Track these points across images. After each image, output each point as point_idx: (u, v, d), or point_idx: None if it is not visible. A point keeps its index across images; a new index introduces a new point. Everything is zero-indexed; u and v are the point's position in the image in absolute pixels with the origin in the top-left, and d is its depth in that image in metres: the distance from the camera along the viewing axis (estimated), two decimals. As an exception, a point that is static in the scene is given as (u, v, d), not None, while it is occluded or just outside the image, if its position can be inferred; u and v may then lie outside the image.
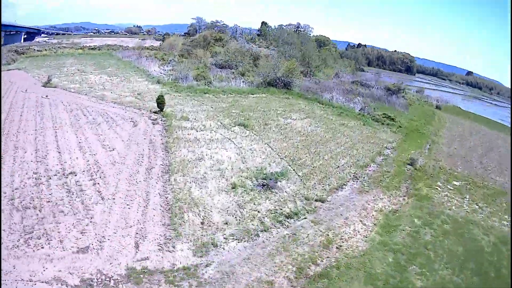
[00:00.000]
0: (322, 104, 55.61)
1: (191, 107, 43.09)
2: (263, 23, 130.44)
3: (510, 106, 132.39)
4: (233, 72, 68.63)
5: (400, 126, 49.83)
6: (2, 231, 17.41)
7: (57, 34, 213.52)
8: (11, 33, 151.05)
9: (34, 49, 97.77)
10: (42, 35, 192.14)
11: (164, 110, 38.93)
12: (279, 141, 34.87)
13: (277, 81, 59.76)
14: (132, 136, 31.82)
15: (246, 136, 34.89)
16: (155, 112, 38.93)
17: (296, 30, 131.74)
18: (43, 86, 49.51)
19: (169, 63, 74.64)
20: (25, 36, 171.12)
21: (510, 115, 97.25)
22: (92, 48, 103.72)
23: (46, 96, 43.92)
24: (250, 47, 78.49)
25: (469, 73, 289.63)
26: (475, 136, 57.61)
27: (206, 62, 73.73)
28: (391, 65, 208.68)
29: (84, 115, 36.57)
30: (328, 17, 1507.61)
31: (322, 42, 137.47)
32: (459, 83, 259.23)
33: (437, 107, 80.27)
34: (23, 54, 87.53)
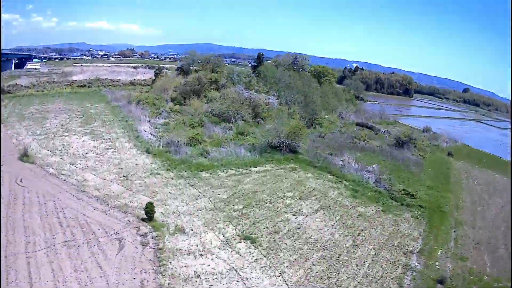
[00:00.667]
0: (334, 175, 49.86)
1: (186, 203, 36.90)
2: (260, 57, 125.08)
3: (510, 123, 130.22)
4: (231, 128, 63.07)
5: (421, 206, 44.24)
6: None
7: (49, 59, 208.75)
8: (2, 60, 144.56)
9: (21, 86, 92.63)
10: (34, 60, 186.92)
11: (154, 217, 32.74)
12: (294, 266, 28.91)
13: (282, 144, 53.98)
14: (118, 273, 25.70)
15: (255, 261, 28.86)
16: (143, 220, 32.74)
17: (294, 63, 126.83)
18: (19, 159, 43.40)
19: (160, 114, 68.62)
20: (16, 61, 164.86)
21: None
22: (81, 86, 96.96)
23: (21, 180, 38.03)
24: (248, 95, 72.72)
25: (466, 90, 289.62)
26: (494, 197, 53.25)
27: (201, 113, 67.90)
28: (389, 89, 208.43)
29: (61, 227, 30.44)
30: (320, 30, 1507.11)
31: (321, 73, 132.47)
32: (456, 101, 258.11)
33: (449, 154, 75.41)
34: (9, 93, 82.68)
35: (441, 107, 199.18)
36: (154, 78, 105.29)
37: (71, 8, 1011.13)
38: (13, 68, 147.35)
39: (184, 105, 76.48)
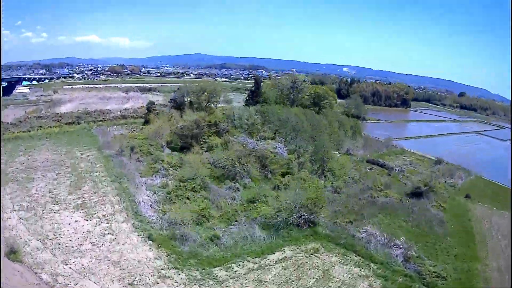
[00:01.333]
0: (359, 255, 44.66)
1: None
2: (257, 81, 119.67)
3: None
4: (238, 189, 57.69)
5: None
6: None
7: (39, 80, 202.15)
8: None
9: (8, 123, 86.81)
10: (24, 83, 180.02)
11: None
12: None
13: (299, 219, 48.59)
14: None
15: None
16: None
17: (293, 87, 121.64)
18: (6, 256, 37.44)
19: (158, 171, 62.69)
20: (6, 85, 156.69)
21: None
22: (69, 123, 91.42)
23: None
24: (254, 145, 67.21)
25: (462, 94, 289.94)
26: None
27: (202, 168, 62.22)
28: (387, 100, 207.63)
29: None
30: (310, 36, 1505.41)
31: (321, 96, 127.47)
32: (453, 107, 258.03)
33: (467, 196, 71.35)
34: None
35: (440, 117, 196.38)
36: (146, 112, 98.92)
37: (61, 23, 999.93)
38: (1, 94, 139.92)
39: (182, 152, 71.34)
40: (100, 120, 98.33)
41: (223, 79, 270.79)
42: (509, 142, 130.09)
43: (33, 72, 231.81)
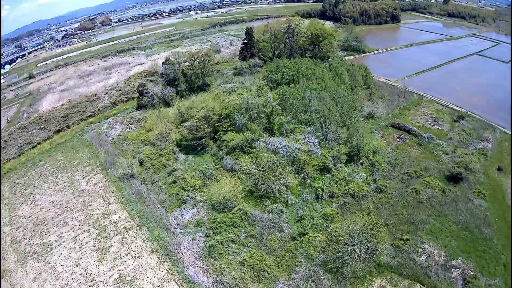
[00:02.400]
0: (424, 285, 42.52)
1: None
2: (249, 32, 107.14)
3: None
4: (282, 211, 52.77)
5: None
6: None
7: (11, 62, 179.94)
8: None
9: None
10: None
11: None
12: None
13: (361, 252, 44.96)
14: None
15: None
16: None
17: (288, 31, 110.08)
18: None
19: (184, 202, 56.21)
20: None
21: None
22: (58, 131, 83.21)
23: None
24: (285, 147, 60.49)
25: (446, 1, 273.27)
26: None
27: (233, 186, 56.12)
28: (376, 18, 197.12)
29: None
30: None
31: (319, 37, 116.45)
32: (441, 15, 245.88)
33: (499, 169, 67.08)
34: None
35: (433, 33, 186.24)
36: (138, 96, 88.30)
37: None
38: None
39: (198, 153, 67.13)
40: (90, 115, 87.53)
41: (196, 11, 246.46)
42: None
43: (3, 52, 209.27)
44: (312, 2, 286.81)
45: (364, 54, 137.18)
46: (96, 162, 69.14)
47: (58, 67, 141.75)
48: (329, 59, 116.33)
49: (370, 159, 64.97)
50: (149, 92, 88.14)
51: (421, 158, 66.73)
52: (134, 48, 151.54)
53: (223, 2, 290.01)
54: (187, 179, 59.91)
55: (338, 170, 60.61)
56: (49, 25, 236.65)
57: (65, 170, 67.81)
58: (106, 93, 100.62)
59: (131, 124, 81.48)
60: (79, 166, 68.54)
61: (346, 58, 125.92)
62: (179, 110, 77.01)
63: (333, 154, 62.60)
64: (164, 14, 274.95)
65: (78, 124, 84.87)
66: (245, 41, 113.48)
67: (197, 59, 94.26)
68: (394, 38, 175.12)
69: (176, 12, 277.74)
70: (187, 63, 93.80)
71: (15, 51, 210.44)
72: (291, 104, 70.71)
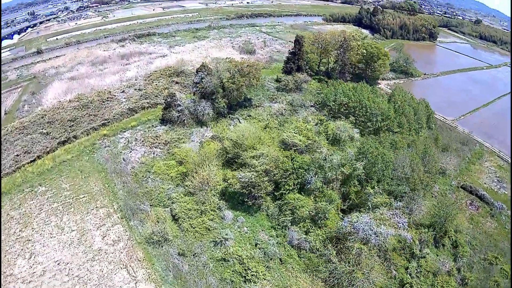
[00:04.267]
0: None
1: None
2: (298, 42, 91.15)
3: None
4: None
5: None
6: None
7: (20, 32, 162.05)
8: None
9: None
10: (3, 41, 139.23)
11: None
12: None
13: None
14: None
15: None
16: None
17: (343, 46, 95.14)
18: None
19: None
20: None
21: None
22: (63, 142, 66.03)
23: None
24: (372, 235, 44.67)
25: (477, 21, 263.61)
26: None
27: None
28: (415, 34, 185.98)
29: None
30: None
31: (374, 55, 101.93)
32: (473, 36, 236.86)
33: None
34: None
35: (471, 58, 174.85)
36: (165, 107, 70.94)
37: None
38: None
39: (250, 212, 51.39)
40: (103, 124, 69.84)
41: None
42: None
43: (15, 19, 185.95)
44: (340, 2, 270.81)
45: (413, 79, 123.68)
46: (113, 204, 52.28)
47: (69, 44, 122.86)
48: (378, 80, 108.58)
49: (452, 238, 53.81)
50: (179, 105, 70.61)
51: (496, 236, 58.27)
52: (155, 34, 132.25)
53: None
54: (243, 258, 43.77)
55: (424, 257, 49.37)
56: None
57: (71, 210, 50.89)
58: (123, 90, 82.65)
59: (155, 147, 64.37)
60: (90, 206, 51.65)
61: (395, 81, 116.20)
62: (224, 147, 60.73)
63: (420, 237, 49.36)
64: None
65: (87, 135, 67.16)
66: (293, 50, 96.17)
67: (241, 70, 76.56)
68: (435, 60, 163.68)
69: None
70: (227, 73, 75.69)
71: (27, 19, 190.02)
72: (380, 169, 54.75)
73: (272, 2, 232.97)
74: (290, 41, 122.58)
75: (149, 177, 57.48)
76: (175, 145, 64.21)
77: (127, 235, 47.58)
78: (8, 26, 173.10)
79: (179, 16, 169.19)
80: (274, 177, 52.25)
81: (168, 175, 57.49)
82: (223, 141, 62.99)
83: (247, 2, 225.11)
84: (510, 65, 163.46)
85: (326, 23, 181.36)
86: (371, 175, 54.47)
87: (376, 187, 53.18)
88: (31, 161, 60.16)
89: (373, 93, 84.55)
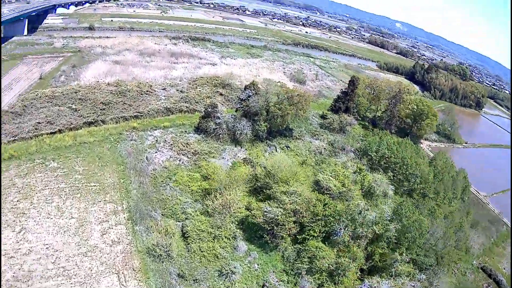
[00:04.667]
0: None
1: None
2: (353, 83, 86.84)
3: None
4: None
5: None
6: None
7: (78, 4, 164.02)
8: (10, 21, 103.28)
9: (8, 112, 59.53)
10: (58, 9, 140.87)
11: None
12: None
13: None
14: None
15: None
16: None
17: (396, 97, 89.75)
18: None
19: None
20: (34, 15, 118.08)
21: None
22: (89, 123, 62.74)
23: None
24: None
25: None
26: None
27: None
28: (463, 100, 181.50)
29: None
30: None
31: (422, 113, 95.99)
32: None
33: None
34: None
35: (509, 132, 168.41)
36: (203, 116, 66.49)
37: None
38: (25, 33, 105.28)
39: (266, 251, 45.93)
40: (135, 116, 66.14)
41: (279, 21, 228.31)
42: None
43: None
44: (395, 52, 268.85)
45: (454, 145, 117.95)
46: (123, 202, 47.46)
47: (122, 29, 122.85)
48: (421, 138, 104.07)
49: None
50: (219, 118, 66.08)
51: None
52: (210, 41, 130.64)
53: (308, 21, 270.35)
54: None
55: None
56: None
57: (77, 195, 46.42)
58: (164, 88, 79.31)
59: (183, 155, 59.57)
60: (98, 197, 47.04)
61: (437, 144, 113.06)
62: (255, 173, 55.64)
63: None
64: (248, 12, 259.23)
65: (116, 123, 63.43)
66: (345, 90, 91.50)
67: (291, 98, 71.94)
68: (477, 130, 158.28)
69: (260, 14, 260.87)
70: (276, 97, 71.11)
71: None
72: (413, 236, 49.20)
73: (330, 37, 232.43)
74: (341, 80, 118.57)
75: (169, 184, 52.86)
76: (204, 158, 59.50)
77: (128, 239, 42.67)
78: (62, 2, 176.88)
79: (236, 29, 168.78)
80: (302, 219, 46.79)
81: (189, 187, 52.73)
82: (256, 167, 58.09)
83: (306, 32, 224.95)
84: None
85: (379, 70, 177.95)
86: (402, 240, 49.41)
87: (404, 254, 48.23)
88: (51, 133, 56.86)
89: (415, 152, 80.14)
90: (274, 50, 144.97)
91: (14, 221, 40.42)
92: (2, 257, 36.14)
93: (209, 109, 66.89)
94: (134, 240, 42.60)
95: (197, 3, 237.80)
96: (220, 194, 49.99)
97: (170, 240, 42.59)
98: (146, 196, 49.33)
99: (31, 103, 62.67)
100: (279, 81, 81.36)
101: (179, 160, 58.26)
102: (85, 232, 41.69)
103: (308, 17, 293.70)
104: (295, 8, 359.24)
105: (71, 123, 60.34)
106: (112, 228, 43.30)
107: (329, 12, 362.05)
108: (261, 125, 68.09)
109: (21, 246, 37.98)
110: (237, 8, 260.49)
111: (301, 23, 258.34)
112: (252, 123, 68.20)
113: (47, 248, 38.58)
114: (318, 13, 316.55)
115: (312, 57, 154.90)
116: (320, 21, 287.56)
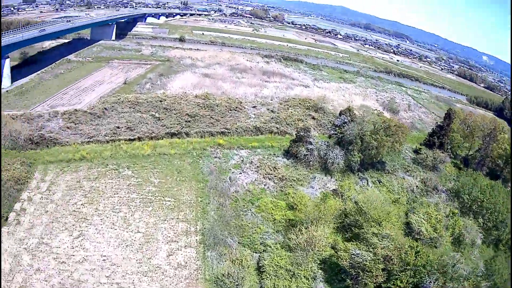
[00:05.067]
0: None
1: None
2: (449, 117, 77.10)
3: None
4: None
5: None
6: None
7: (168, 16, 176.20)
8: (99, 25, 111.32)
9: (84, 113, 61.94)
10: (148, 19, 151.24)
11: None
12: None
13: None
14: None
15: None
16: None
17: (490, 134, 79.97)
18: None
19: None
20: (123, 22, 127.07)
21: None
22: (172, 134, 61.33)
23: None
24: None
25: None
26: None
27: None
28: None
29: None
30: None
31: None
32: None
33: None
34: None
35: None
36: (294, 144, 61.48)
37: None
38: (113, 37, 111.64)
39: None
40: (222, 132, 63.47)
41: (371, 47, 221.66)
42: None
43: (167, 3, 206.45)
44: (483, 86, 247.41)
45: None
46: (197, 223, 43.88)
47: (213, 43, 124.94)
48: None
49: None
50: (311, 143, 60.84)
51: None
52: (303, 62, 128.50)
53: (399, 49, 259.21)
54: None
55: None
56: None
57: (149, 209, 43.92)
58: (255, 106, 76.65)
59: (269, 179, 55.06)
60: (171, 214, 44.06)
61: None
62: (345, 209, 49.38)
63: None
64: (339, 36, 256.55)
65: (201, 137, 61.34)
66: (441, 124, 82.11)
67: (388, 128, 64.64)
68: None
69: (351, 39, 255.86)
70: (371, 126, 64.38)
71: (179, 7, 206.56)
72: None
73: (420, 66, 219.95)
74: (433, 112, 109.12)
75: (251, 209, 48.41)
76: (291, 185, 54.59)
77: (197, 264, 38.61)
78: (158, 7, 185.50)
79: (329, 52, 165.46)
80: (392, 267, 39.84)
81: (272, 215, 47.83)
82: (346, 201, 51.45)
83: (397, 60, 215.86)
84: None
85: (469, 104, 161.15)
86: None
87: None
88: (129, 139, 56.15)
89: (507, 198, 67.84)
90: (367, 77, 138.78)
91: (73, 225, 38.67)
92: (52, 261, 34.64)
93: (301, 133, 61.93)
94: (203, 267, 38.50)
95: (288, 23, 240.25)
96: (306, 228, 44.14)
97: (243, 273, 37.71)
98: (224, 219, 45.26)
99: (112, 106, 63.29)
100: (375, 109, 74.38)
101: (265, 185, 53.79)
102: (149, 249, 38.57)
103: (399, 44, 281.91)
104: (386, 35, 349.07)
105: (152, 132, 59.36)
106: (181, 250, 39.72)
107: (418, 41, 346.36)
108: (354, 155, 61.43)
109: (76, 253, 35.90)
110: (329, 32, 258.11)
111: (392, 50, 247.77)
112: (345, 153, 62.00)
113: (104, 260, 36.01)
114: (408, 41, 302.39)
115: (404, 87, 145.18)
116: (410, 50, 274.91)
